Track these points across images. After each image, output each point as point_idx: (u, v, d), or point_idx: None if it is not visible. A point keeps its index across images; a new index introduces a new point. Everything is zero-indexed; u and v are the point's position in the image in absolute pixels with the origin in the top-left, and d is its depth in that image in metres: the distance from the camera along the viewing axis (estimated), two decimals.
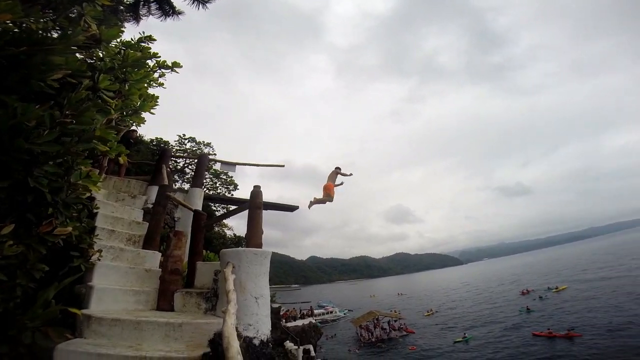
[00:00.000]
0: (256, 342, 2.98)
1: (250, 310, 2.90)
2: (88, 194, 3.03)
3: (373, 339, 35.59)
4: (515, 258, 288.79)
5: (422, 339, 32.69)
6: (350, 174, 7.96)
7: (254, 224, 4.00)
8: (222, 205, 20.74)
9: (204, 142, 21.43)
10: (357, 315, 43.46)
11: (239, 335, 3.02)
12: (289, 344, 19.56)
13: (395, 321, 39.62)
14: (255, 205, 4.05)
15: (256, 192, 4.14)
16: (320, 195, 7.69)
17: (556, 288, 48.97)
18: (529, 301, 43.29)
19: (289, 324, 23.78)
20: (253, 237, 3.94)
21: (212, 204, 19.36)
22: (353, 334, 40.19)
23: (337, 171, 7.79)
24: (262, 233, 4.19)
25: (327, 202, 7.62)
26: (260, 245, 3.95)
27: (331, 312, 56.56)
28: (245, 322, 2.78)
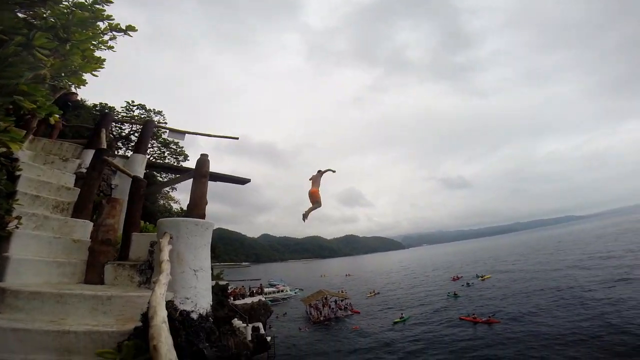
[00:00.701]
0: (194, 315, 2.86)
1: (189, 284, 2.77)
2: (4, 150, 2.67)
3: (321, 318, 36.78)
4: (451, 246, 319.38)
5: (365, 319, 34.70)
6: (334, 171, 7.60)
7: (197, 194, 3.82)
8: (169, 176, 19.67)
9: (154, 110, 20.10)
10: (308, 294, 44.43)
11: (175, 309, 2.89)
12: (237, 322, 19.56)
13: (341, 301, 41.31)
14: (200, 173, 3.85)
15: (203, 160, 3.94)
16: (309, 202, 7.25)
17: (482, 276, 54.64)
18: (458, 287, 47.77)
19: (238, 302, 23.29)
20: (196, 207, 3.77)
21: (158, 175, 18.68)
22: (303, 312, 41.13)
23: (320, 174, 7.36)
24: (207, 204, 4.00)
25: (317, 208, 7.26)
26: (203, 216, 3.78)
27: (282, 291, 57.28)
28: (183, 296, 2.67)
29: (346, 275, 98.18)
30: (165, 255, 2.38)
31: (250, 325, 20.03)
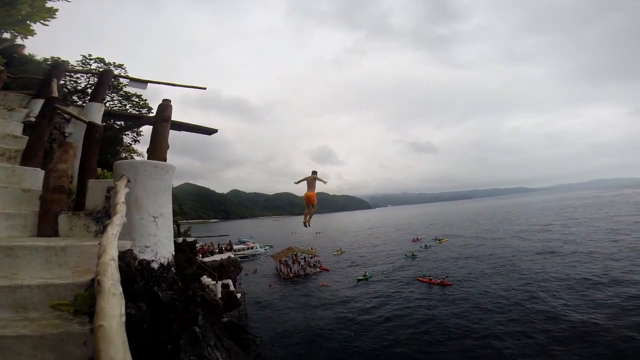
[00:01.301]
0: (155, 265, 2.81)
1: (148, 231, 2.65)
2: None
3: (291, 275, 37.84)
4: (414, 208, 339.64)
5: (332, 276, 36.78)
6: (325, 182, 8.05)
7: (158, 137, 3.64)
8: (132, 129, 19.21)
9: (114, 63, 18.41)
10: (278, 251, 45.38)
11: (134, 258, 2.83)
12: (206, 279, 19.81)
13: (311, 258, 42.65)
14: (162, 118, 3.69)
15: (165, 105, 3.78)
16: (307, 203, 7.91)
17: (439, 240, 59.00)
18: (417, 248, 51.67)
19: (207, 259, 22.80)
20: (156, 150, 3.61)
21: (119, 126, 17.98)
22: (273, 269, 42.35)
23: (314, 177, 7.78)
24: (168, 148, 3.94)
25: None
26: (164, 160, 3.63)
27: (252, 248, 57.77)
28: (142, 244, 2.60)
29: (316, 233, 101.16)
30: (121, 197, 2.25)
31: (220, 283, 20.38)
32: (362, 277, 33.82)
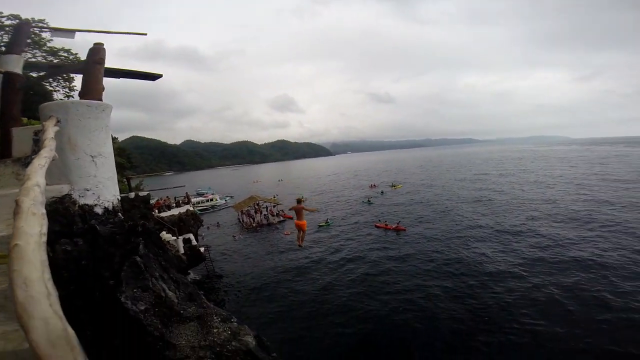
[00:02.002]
0: (98, 210, 2.72)
1: (86, 172, 2.55)
2: None
3: (254, 224, 37.88)
4: (372, 155, 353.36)
5: (294, 224, 38.03)
6: (318, 210, 9.68)
7: (91, 79, 3.51)
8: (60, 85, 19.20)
9: (33, 19, 16.66)
10: (239, 201, 44.86)
11: (74, 202, 2.64)
12: (166, 235, 18.96)
13: (274, 206, 42.55)
14: (94, 60, 3.58)
15: (96, 48, 3.63)
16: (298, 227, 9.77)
17: (394, 186, 62.85)
18: (373, 194, 55.13)
19: (164, 214, 22.25)
20: (90, 92, 3.47)
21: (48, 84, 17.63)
22: (235, 220, 42.12)
23: (301, 206, 9.37)
24: (103, 89, 3.86)
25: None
26: (98, 100, 3.45)
27: (211, 200, 56.61)
28: (81, 187, 2.55)
29: (279, 180, 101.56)
30: (49, 134, 2.14)
31: (181, 238, 19.73)
32: (323, 223, 35.33)
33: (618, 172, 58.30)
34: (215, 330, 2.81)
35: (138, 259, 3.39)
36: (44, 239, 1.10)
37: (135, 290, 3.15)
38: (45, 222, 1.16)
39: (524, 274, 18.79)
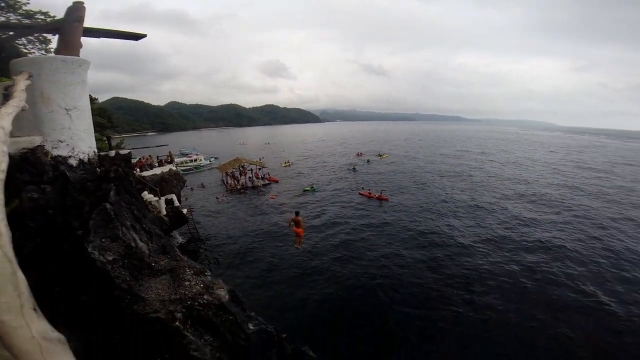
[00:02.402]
0: (73, 161, 2.73)
1: (60, 124, 2.58)
2: None
3: (239, 187, 37.49)
4: (361, 124, 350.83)
5: (281, 187, 37.85)
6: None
7: (68, 37, 3.45)
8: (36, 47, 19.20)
9: None
10: (224, 162, 44.04)
11: (46, 153, 2.66)
12: (148, 195, 18.60)
13: (259, 169, 42.22)
14: (72, 18, 3.55)
15: (75, 6, 3.61)
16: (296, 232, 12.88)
17: (380, 155, 63.65)
18: (360, 162, 55.75)
19: (146, 173, 21.50)
20: (67, 48, 3.46)
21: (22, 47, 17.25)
22: (220, 181, 41.59)
23: (299, 218, 12.52)
24: (81, 47, 3.86)
25: None
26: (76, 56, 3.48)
27: (195, 160, 55.44)
28: (54, 139, 2.58)
29: (266, 143, 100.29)
30: (20, 86, 2.11)
31: (163, 198, 19.24)
32: (308, 188, 35.60)
33: (593, 161, 60.84)
34: (187, 283, 2.80)
35: (108, 206, 3.24)
36: (2, 176, 1.08)
37: (103, 240, 3.04)
38: (5, 159, 1.12)
39: (491, 250, 19.98)
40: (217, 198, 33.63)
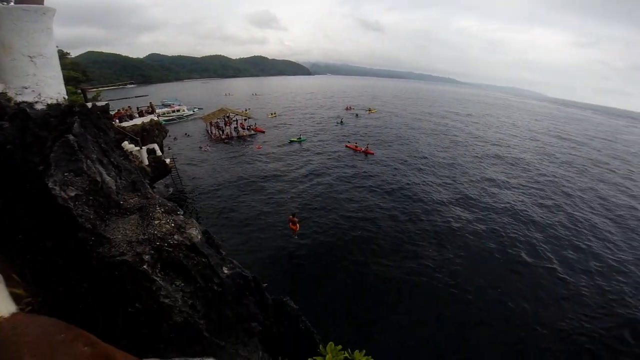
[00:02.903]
0: (39, 106, 2.66)
1: (23, 72, 2.59)
2: None
3: (223, 137, 36.88)
4: (352, 79, 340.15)
5: (267, 138, 37.25)
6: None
7: None
8: None
9: None
10: (208, 113, 42.85)
11: (9, 100, 2.52)
12: (128, 145, 17.91)
13: (244, 120, 41.46)
14: None
15: None
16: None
17: (369, 110, 62.94)
18: (348, 116, 55.19)
19: (125, 124, 20.89)
20: None
21: None
22: (204, 132, 40.64)
23: (295, 219, 15.39)
24: None
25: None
26: (39, 4, 2.97)
27: (178, 110, 53.31)
28: (18, 85, 2.67)
29: (253, 94, 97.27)
30: None
31: (145, 148, 18.78)
32: (295, 139, 35.34)
33: (574, 134, 61.59)
34: (156, 222, 2.56)
35: (71, 137, 2.90)
36: None
37: (66, 174, 2.73)
38: None
39: (463, 208, 20.85)
40: (200, 148, 33.04)
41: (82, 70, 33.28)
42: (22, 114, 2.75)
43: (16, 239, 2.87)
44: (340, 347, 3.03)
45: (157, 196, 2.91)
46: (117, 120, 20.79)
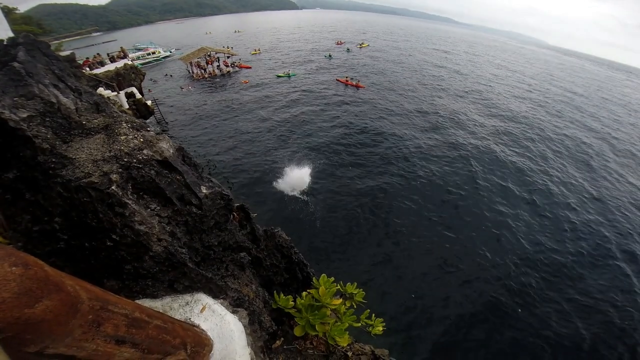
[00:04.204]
0: None
1: None
2: None
3: (206, 75, 35.73)
4: (343, 13, 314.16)
5: (253, 74, 35.85)
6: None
7: None
8: None
9: None
10: (187, 53, 40.42)
11: None
12: (104, 91, 17.00)
13: (227, 57, 39.82)
14: None
15: None
16: None
17: (361, 44, 60.05)
18: (339, 50, 52.93)
19: (97, 71, 20.83)
20: None
21: None
22: (185, 72, 38.83)
23: None
24: None
25: None
26: None
27: (153, 53, 49.25)
28: None
29: (235, 31, 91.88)
30: None
31: (123, 92, 18.27)
32: (282, 74, 34.23)
33: (568, 83, 59.18)
34: (123, 138, 2.37)
35: (16, 64, 2.60)
36: None
37: (15, 98, 2.50)
38: None
39: (445, 151, 20.98)
40: (181, 88, 31.77)
41: (36, 24, 30.20)
42: None
43: None
44: (332, 279, 3.05)
45: (124, 114, 2.63)
46: (87, 69, 20.61)
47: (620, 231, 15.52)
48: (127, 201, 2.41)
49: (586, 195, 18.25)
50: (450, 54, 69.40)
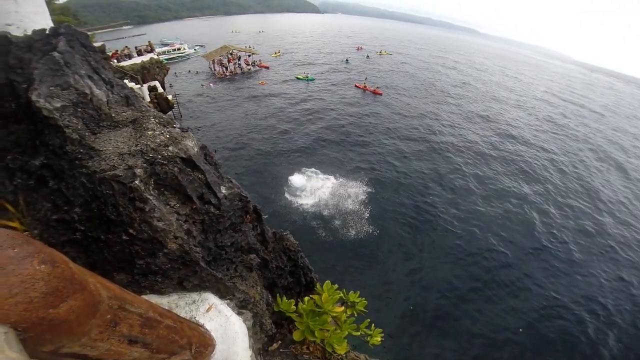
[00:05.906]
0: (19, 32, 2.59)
1: (4, 9, 2.47)
2: None
3: (227, 74, 36.26)
4: (365, 20, 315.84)
5: (272, 75, 36.25)
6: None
7: None
8: None
9: None
10: (210, 50, 41.09)
11: None
12: (129, 84, 17.62)
13: (249, 56, 40.42)
14: None
15: None
16: None
17: (381, 52, 59.95)
18: (359, 56, 53.08)
19: (124, 63, 20.95)
20: None
21: None
22: (207, 69, 39.53)
23: None
24: None
25: None
26: None
27: (178, 49, 50.61)
28: (2, 23, 2.38)
29: (259, 31, 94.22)
30: None
31: (146, 86, 18.76)
32: (302, 76, 34.48)
33: (593, 101, 57.29)
34: (150, 133, 2.43)
35: (56, 54, 2.67)
36: None
37: (51, 88, 2.57)
38: None
39: (459, 154, 21.46)
40: (202, 85, 32.34)
41: (72, 15, 31.49)
42: (2, 39, 2.45)
43: (4, 159, 2.69)
44: (336, 286, 3.01)
45: (152, 109, 2.69)
46: (115, 61, 20.63)
47: None
48: (149, 197, 2.44)
49: None
50: (476, 66, 69.68)
